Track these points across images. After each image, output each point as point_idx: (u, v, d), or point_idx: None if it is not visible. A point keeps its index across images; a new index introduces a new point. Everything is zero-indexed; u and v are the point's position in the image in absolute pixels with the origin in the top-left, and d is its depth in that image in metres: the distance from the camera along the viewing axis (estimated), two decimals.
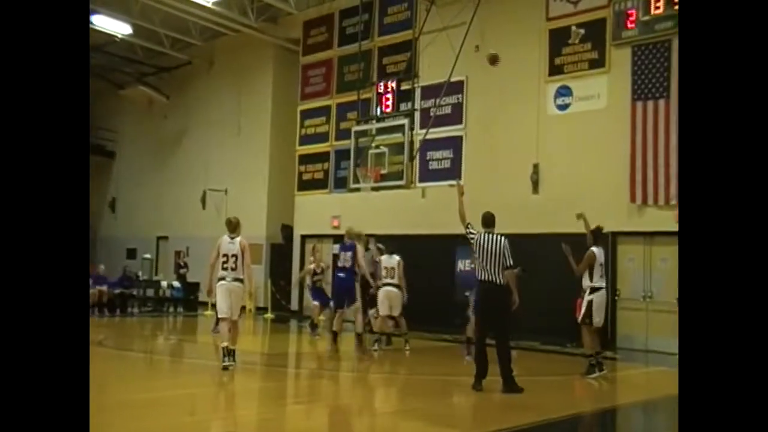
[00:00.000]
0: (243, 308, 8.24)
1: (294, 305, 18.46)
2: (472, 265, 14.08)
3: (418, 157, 15.08)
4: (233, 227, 8.11)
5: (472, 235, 7.49)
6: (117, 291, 17.23)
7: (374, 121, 14.61)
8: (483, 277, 7.32)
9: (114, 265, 19.17)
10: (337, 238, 17.42)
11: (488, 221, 7.56)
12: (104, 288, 16.32)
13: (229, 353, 7.91)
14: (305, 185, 18.61)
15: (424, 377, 8.95)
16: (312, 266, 13.15)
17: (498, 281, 7.25)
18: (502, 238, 7.40)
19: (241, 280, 8.03)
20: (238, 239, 8.05)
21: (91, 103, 26.76)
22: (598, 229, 8.91)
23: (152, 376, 8.40)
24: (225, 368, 7.81)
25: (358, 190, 15.32)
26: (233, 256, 7.96)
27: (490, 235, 7.41)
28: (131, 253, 22.73)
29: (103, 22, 19.52)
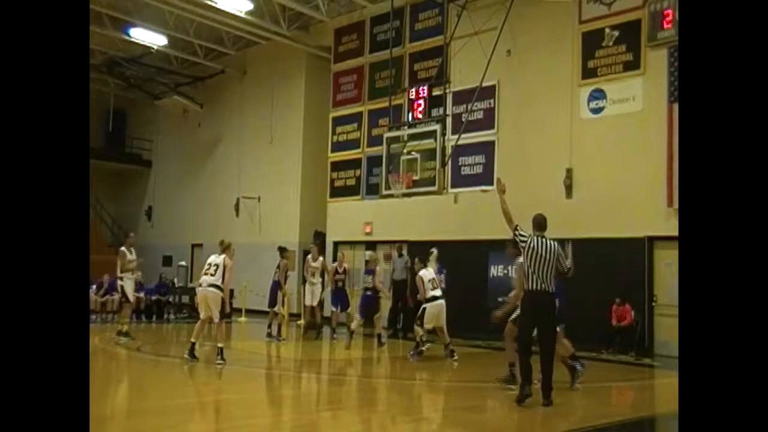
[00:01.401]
0: (227, 312, 9.54)
1: (326, 312, 18.50)
2: (504, 271, 14.12)
3: (450, 162, 15.02)
4: (222, 248, 9.37)
5: (523, 239, 6.94)
6: (154, 298, 17.54)
7: (406, 127, 14.60)
8: (534, 285, 6.81)
9: (151, 272, 19.47)
10: (369, 245, 17.45)
11: (540, 224, 7.07)
12: (141, 295, 16.64)
13: (219, 352, 8.92)
14: (337, 192, 18.67)
15: (460, 384, 8.88)
16: (335, 265, 13.37)
17: (550, 289, 6.81)
18: (555, 243, 6.97)
19: (216, 286, 9.04)
20: (223, 256, 9.24)
21: (128, 113, 27.38)
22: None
23: (188, 382, 8.49)
24: (189, 360, 8.97)
25: (390, 196, 15.31)
26: (215, 265, 9.17)
27: (543, 240, 6.94)
28: (167, 261, 23.05)
29: (140, 35, 19.96)
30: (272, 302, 13.13)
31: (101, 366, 9.55)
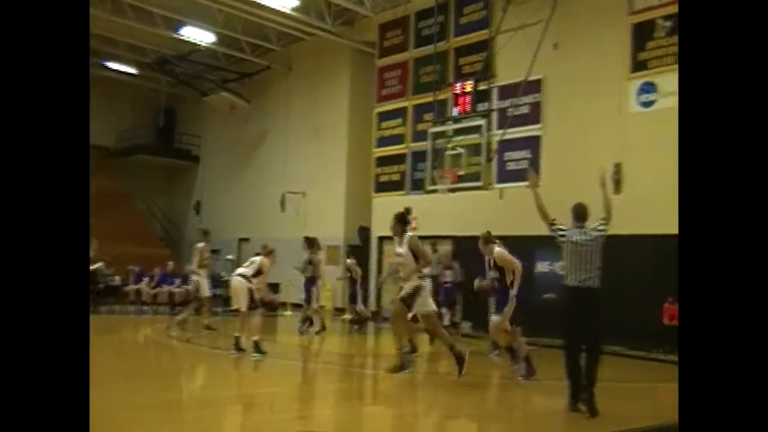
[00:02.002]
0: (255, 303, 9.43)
1: (372, 306, 18.58)
2: (551, 267, 13.94)
3: (495, 157, 14.90)
4: (265, 252, 9.76)
5: (561, 234, 6.41)
6: None
7: (451, 122, 14.54)
8: (576, 281, 6.24)
9: None
10: None
11: (580, 214, 6.46)
12: (190, 288, 17.01)
13: (254, 345, 9.00)
14: (382, 187, 18.70)
15: (505, 381, 8.82)
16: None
17: (595, 284, 6.22)
18: (598, 234, 6.35)
19: (244, 276, 9.34)
20: (261, 257, 9.61)
21: (177, 110, 27.89)
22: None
23: (235, 375, 8.63)
24: (235, 354, 9.08)
25: (434, 191, 15.28)
26: (252, 261, 9.62)
27: (583, 231, 6.36)
28: (215, 255, 23.46)
29: (189, 32, 20.37)
30: (308, 299, 13.08)
31: (152, 356, 9.79)
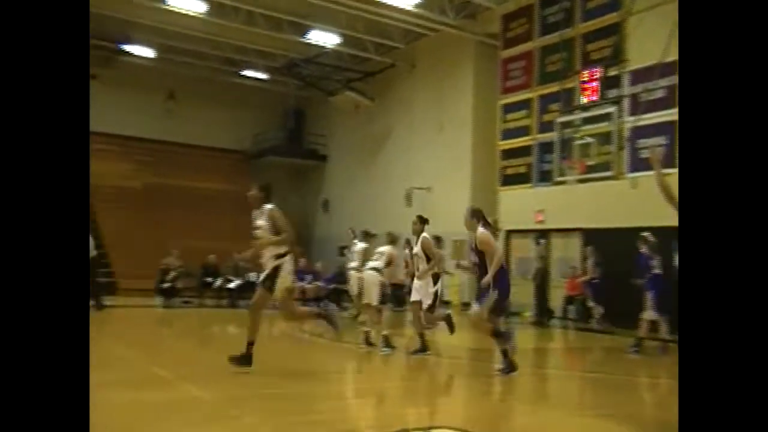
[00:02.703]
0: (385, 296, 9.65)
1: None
2: None
3: (627, 145, 14.21)
4: (389, 240, 9.95)
5: None
6: (331, 287, 18.41)
7: (579, 111, 14.04)
8: None
9: (328, 262, 20.43)
10: (543, 233, 17.03)
11: None
12: (321, 284, 17.60)
13: (384, 339, 9.04)
14: (508, 180, 18.39)
15: (647, 381, 8.41)
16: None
17: None
18: None
19: (376, 269, 9.40)
20: (389, 246, 9.72)
21: (305, 111, 28.94)
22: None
23: (365, 368, 8.79)
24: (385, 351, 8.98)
25: (563, 182, 14.84)
26: (379, 253, 9.64)
27: None
28: (343, 251, 24.06)
29: (316, 36, 21.05)
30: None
31: (285, 349, 10.19)
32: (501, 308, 7.49)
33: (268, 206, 6.85)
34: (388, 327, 9.40)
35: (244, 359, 6.53)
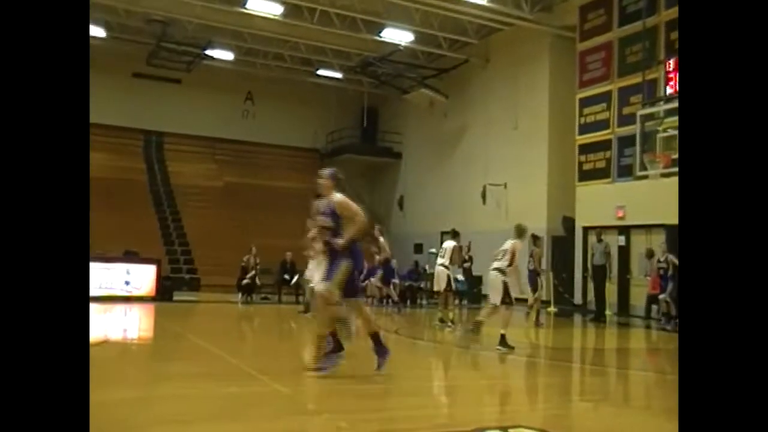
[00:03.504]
0: (509, 299, 9.12)
1: (578, 298, 17.93)
2: None
3: None
4: (517, 233, 9.68)
5: None
6: (407, 284, 18.47)
7: (662, 103, 13.54)
8: None
9: (404, 259, 20.51)
10: (622, 230, 16.53)
11: None
12: (396, 281, 17.64)
13: (501, 338, 8.79)
14: (586, 175, 17.95)
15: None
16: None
17: None
18: None
19: (499, 270, 9.11)
20: (510, 242, 9.40)
21: (379, 109, 29.25)
22: None
23: (440, 366, 8.78)
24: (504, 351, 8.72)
25: (645, 177, 14.35)
26: (503, 250, 9.35)
27: None
28: (418, 248, 24.10)
29: (389, 34, 21.12)
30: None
31: (365, 346, 10.28)
32: (352, 288, 6.50)
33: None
34: (507, 326, 9.15)
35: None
